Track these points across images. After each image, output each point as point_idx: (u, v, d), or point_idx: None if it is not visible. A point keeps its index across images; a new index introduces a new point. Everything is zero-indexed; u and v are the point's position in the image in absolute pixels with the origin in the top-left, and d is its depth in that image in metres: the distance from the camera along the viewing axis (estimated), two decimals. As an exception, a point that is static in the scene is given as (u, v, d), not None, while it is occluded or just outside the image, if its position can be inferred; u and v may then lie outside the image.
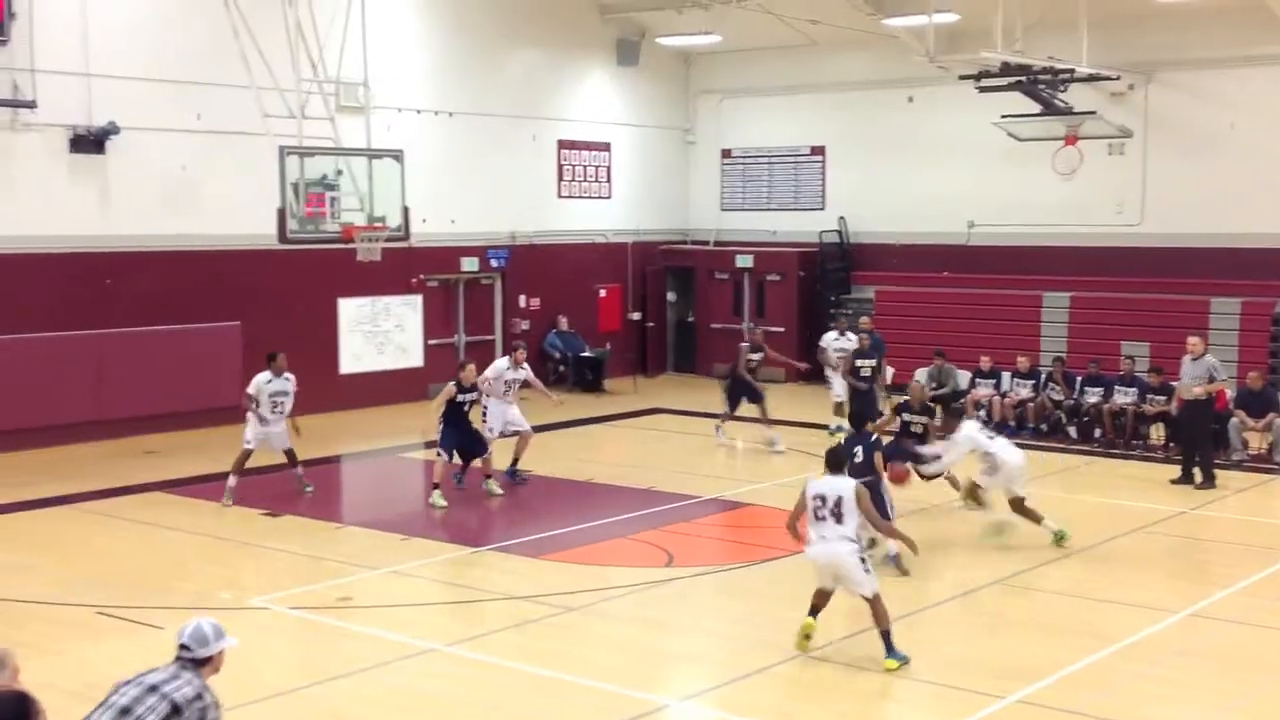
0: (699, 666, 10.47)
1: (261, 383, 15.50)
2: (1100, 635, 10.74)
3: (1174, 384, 17.68)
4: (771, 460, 18.52)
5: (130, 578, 12.40)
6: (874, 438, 12.92)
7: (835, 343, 20.48)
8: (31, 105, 17.95)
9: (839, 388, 19.74)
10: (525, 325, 25.11)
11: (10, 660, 6.09)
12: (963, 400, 20.72)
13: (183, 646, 6.02)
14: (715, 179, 28.14)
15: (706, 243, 27.98)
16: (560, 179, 26.00)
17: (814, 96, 26.54)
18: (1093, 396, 19.65)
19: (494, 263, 24.66)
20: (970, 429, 14.03)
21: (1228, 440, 17.92)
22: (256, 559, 13.19)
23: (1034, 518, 13.58)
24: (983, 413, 20.55)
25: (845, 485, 10.14)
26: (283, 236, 16.86)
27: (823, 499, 10.04)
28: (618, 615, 11.31)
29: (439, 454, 15.47)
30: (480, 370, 16.15)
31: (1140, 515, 15.13)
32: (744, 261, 26.70)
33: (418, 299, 23.27)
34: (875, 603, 10.02)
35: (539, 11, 25.10)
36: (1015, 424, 20.18)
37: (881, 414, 17.14)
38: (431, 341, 23.52)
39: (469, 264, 24.23)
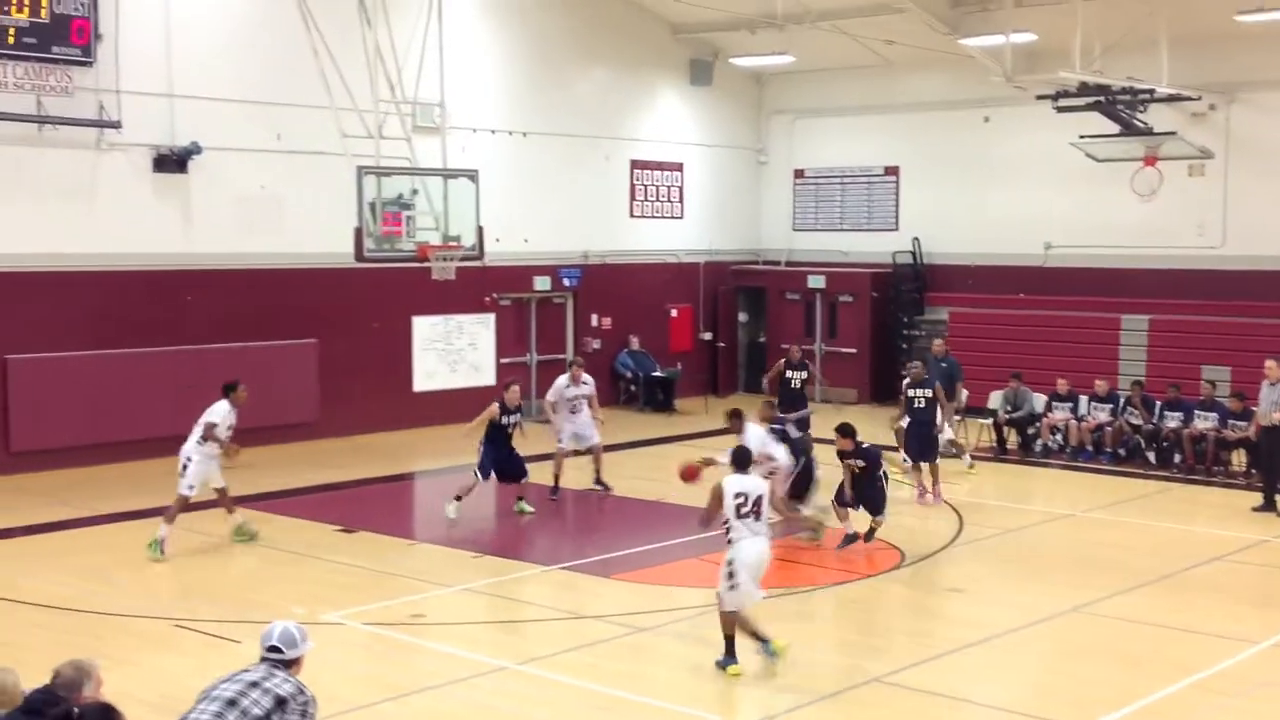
0: (767, 690, 10.40)
1: (224, 413, 14.29)
2: (1180, 665, 10.54)
3: (1254, 409, 17.37)
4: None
5: (207, 591, 12.57)
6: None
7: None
8: (117, 126, 18.32)
9: None
10: (596, 344, 25.18)
11: (95, 672, 6.21)
12: (1038, 424, 20.50)
13: (273, 649, 6.17)
14: (787, 199, 28.08)
15: (778, 263, 27.92)
16: (633, 199, 26.08)
17: (888, 117, 26.43)
18: (1172, 421, 19.34)
19: (566, 282, 24.77)
20: (757, 430, 14.43)
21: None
22: (330, 574, 13.31)
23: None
24: (1059, 436, 20.34)
25: (761, 484, 10.67)
26: (359, 255, 17.05)
27: (745, 496, 10.40)
28: (687, 636, 11.28)
29: (475, 473, 15.46)
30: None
31: (1220, 543, 14.85)
32: (816, 282, 26.60)
33: (490, 318, 23.44)
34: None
35: (613, 32, 25.23)
36: (1093, 448, 19.91)
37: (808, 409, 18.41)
38: (504, 360, 23.66)
39: (541, 283, 24.37)
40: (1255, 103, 22.18)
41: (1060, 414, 20.38)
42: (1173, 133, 21.58)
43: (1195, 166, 22.50)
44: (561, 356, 24.94)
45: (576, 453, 16.36)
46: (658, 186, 26.53)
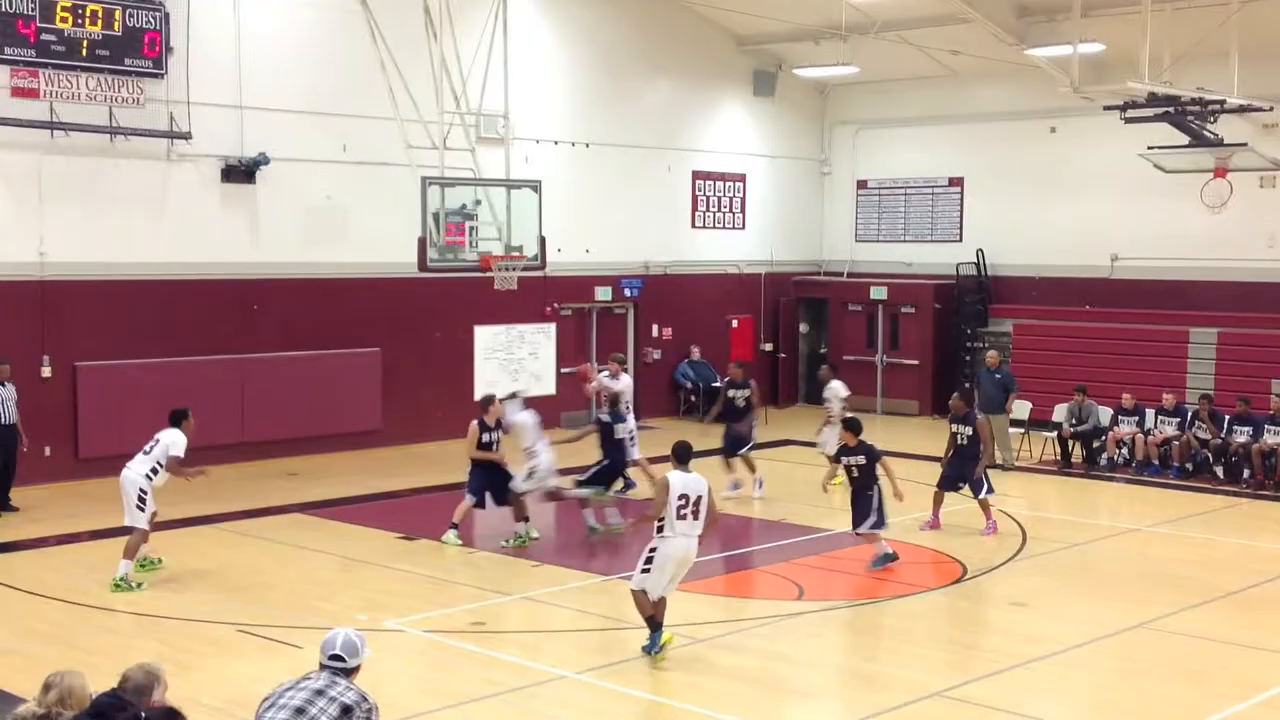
0: (826, 702, 10.36)
1: (185, 444, 13.15)
2: (1247, 683, 10.37)
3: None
4: (906, 495, 18.24)
5: (270, 597, 12.70)
6: None
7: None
8: (187, 137, 18.61)
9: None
10: (657, 355, 25.21)
11: (162, 676, 6.30)
12: (1103, 438, 20.26)
13: (335, 657, 6.24)
14: (850, 210, 27.98)
15: (840, 274, 27.82)
16: (694, 209, 26.10)
17: (953, 127, 26.27)
18: (1241, 436, 19.04)
19: (627, 292, 24.82)
20: (526, 418, 14.80)
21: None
22: (392, 581, 13.41)
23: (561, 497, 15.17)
24: (1125, 450, 20.09)
25: (703, 484, 10.70)
26: (423, 265, 17.20)
27: (686, 498, 10.50)
28: (747, 648, 11.26)
29: (467, 497, 14.93)
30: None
31: (1291, 560, 14.61)
32: (878, 293, 26.47)
33: (552, 327, 23.52)
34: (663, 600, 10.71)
35: (676, 43, 25.28)
36: (1159, 463, 19.65)
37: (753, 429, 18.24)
38: (565, 370, 23.74)
39: (603, 293, 24.44)
40: (1328, 113, 21.84)
41: (1126, 428, 20.14)
42: (1243, 144, 21.26)
43: (1266, 178, 22.18)
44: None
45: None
46: (720, 197, 26.53)
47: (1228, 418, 19.39)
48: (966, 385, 24.01)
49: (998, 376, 20.32)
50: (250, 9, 19.49)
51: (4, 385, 16.28)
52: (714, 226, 26.43)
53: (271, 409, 19.66)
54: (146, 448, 13.03)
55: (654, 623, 10.67)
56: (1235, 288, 22.71)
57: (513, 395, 15.64)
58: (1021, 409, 20.91)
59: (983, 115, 25.71)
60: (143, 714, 6.05)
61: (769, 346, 27.09)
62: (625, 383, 17.98)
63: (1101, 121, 22.19)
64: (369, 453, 20.31)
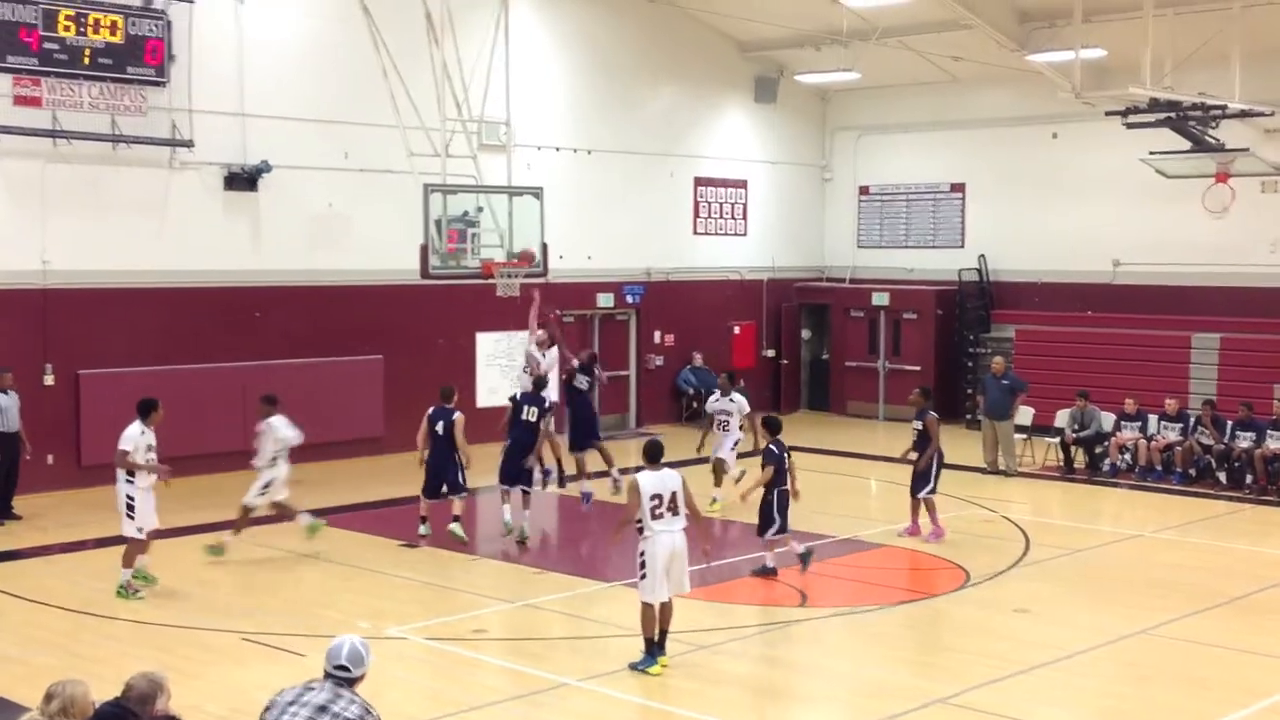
0: (829, 709, 10.35)
1: (134, 436, 12.87)
2: (1251, 690, 10.36)
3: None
4: (909, 502, 18.23)
5: (272, 605, 12.71)
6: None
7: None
8: (189, 144, 18.63)
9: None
10: (659, 361, 25.21)
11: (165, 685, 6.28)
12: (1106, 444, 20.25)
13: (340, 667, 6.08)
14: (852, 216, 27.98)
15: (842, 280, 27.82)
16: (696, 216, 26.11)
17: (954, 133, 26.28)
18: (1244, 441, 19.03)
19: (629, 299, 24.83)
20: (279, 421, 14.44)
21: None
22: (393, 589, 13.41)
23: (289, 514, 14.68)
24: (1127, 456, 20.06)
25: (675, 479, 10.69)
26: (425, 272, 17.21)
27: (659, 498, 10.53)
28: (749, 654, 11.25)
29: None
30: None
31: (1294, 566, 14.59)
32: (880, 299, 26.47)
33: (554, 334, 23.51)
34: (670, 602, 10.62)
35: (678, 50, 25.30)
36: (1162, 468, 19.63)
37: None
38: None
39: (605, 300, 24.44)
40: (1330, 118, 21.84)
41: (1129, 433, 20.13)
42: (1245, 149, 21.27)
43: (1268, 183, 22.18)
44: (625, 373, 25.01)
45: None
46: (721, 203, 26.54)
47: (1230, 423, 19.38)
48: (969, 391, 24.04)
49: (1004, 383, 20.31)
50: (252, 17, 19.51)
51: (6, 393, 16.30)
52: (716, 233, 26.44)
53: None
54: None
55: (651, 645, 10.65)
56: (1237, 293, 22.70)
57: (271, 401, 14.85)
58: (1024, 415, 20.89)
59: (984, 121, 25.72)
60: None
61: (771, 352, 27.09)
62: (552, 359, 17.57)
63: (1103, 127, 22.21)
64: (371, 460, 20.31)
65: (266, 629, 11.69)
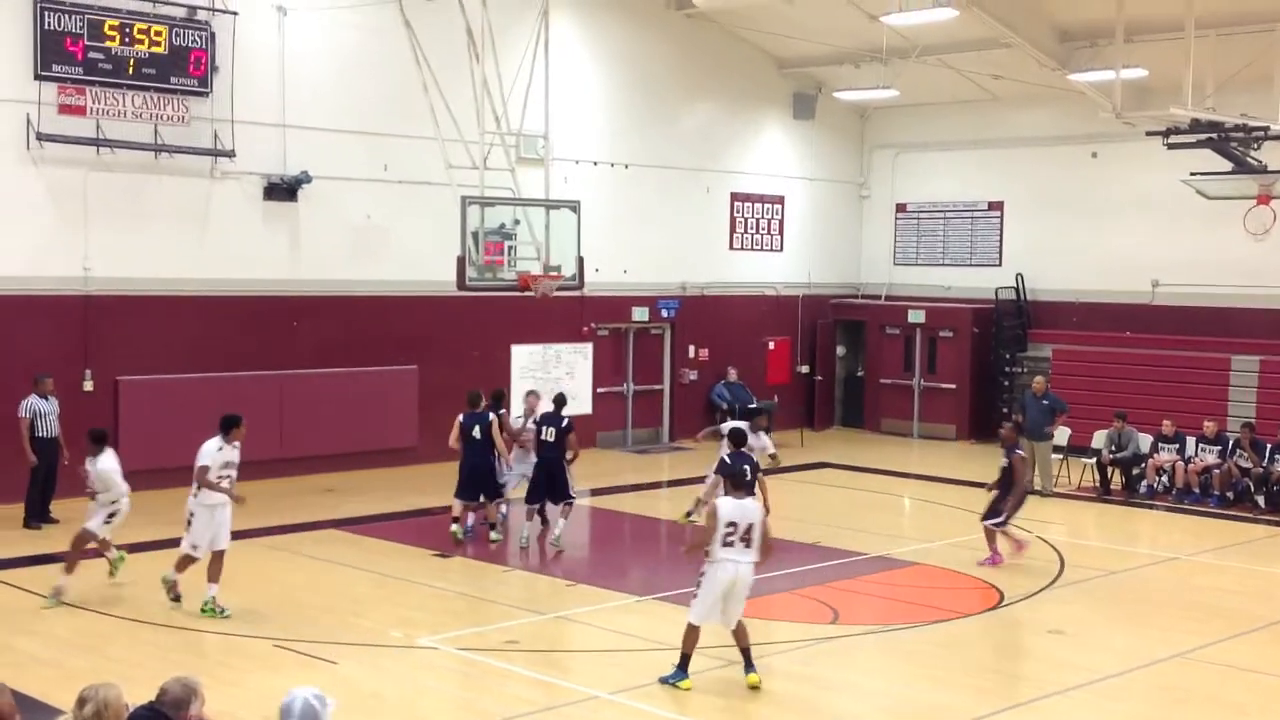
0: (863, 728, 10.30)
1: (211, 453, 12.57)
2: (1289, 717, 10.25)
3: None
4: (942, 519, 18.15)
5: (307, 612, 12.75)
6: None
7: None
8: (230, 155, 18.79)
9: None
10: (693, 376, 25.20)
11: (200, 690, 6.30)
12: (1143, 465, 20.09)
13: None
14: (889, 233, 27.92)
15: (878, 297, 27.75)
16: (732, 231, 26.11)
17: (993, 152, 26.19)
18: (1283, 465, 18.85)
19: (664, 313, 24.85)
20: (104, 460, 13.05)
21: None
22: (426, 599, 13.44)
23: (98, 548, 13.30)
24: (1164, 478, 19.88)
25: (756, 513, 10.61)
26: (461, 284, 17.28)
27: (735, 525, 10.44)
28: (780, 671, 11.20)
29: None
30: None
31: (1334, 592, 14.42)
32: (916, 317, 26.38)
33: (588, 347, 23.58)
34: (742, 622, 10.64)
35: (717, 66, 25.33)
36: (1199, 491, 19.46)
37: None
38: (600, 390, 23.78)
39: (640, 313, 24.47)
40: (1374, 140, 21.61)
41: (1166, 455, 19.97)
42: (1287, 170, 21.09)
43: (1310, 205, 21.98)
44: (658, 387, 25.03)
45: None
46: (758, 219, 26.53)
47: (1269, 446, 19.19)
48: (1005, 410, 23.90)
49: (1044, 403, 20.18)
50: (295, 29, 19.68)
51: (46, 399, 16.45)
52: (752, 248, 26.43)
53: (309, 425, 19.78)
54: None
55: (686, 660, 10.59)
56: (1278, 315, 22.49)
57: (98, 439, 13.40)
58: (1061, 435, 20.76)
59: (1023, 140, 25.62)
60: None
61: (806, 369, 27.03)
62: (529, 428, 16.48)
63: (1143, 147, 22.05)
64: (405, 469, 20.38)
65: (300, 636, 11.73)
